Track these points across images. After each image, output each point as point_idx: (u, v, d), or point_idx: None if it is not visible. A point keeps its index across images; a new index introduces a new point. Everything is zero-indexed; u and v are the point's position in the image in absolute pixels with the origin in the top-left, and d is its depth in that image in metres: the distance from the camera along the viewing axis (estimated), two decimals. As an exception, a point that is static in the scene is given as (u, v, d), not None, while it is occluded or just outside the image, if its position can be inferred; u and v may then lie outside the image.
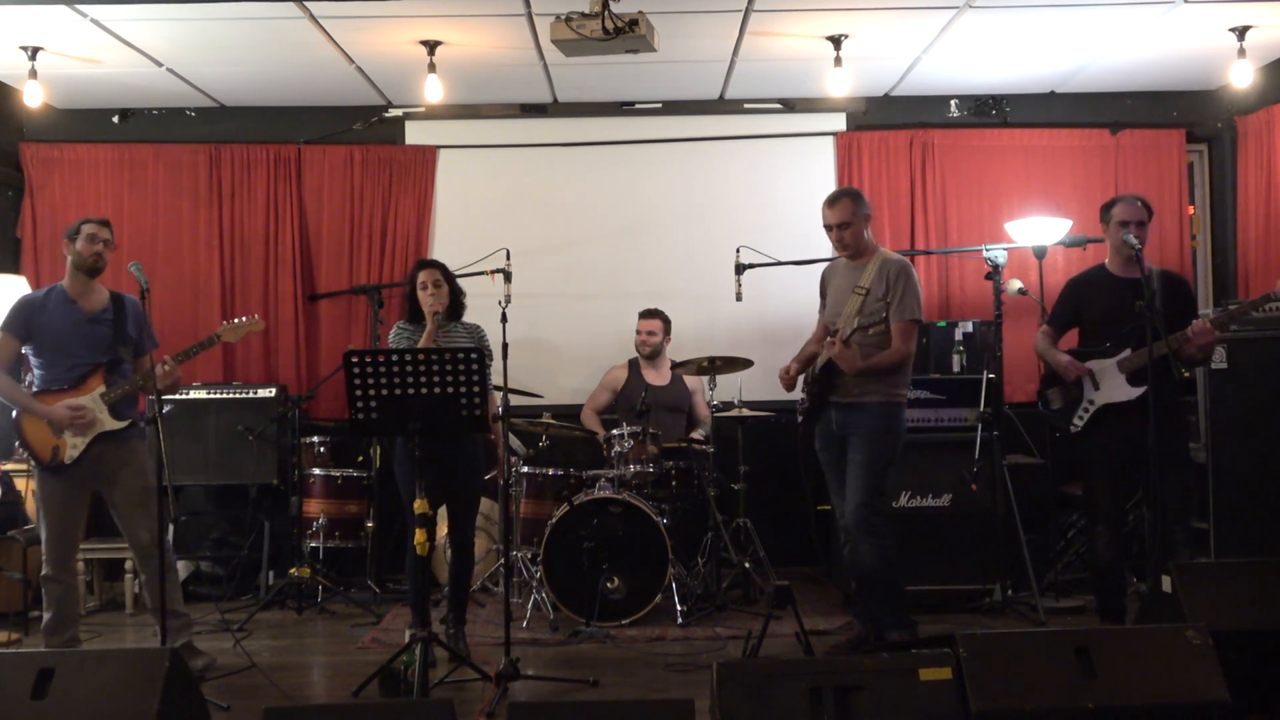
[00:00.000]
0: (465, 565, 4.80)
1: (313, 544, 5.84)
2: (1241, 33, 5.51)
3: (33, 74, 5.63)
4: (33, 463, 4.44)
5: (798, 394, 4.82)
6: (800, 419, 4.78)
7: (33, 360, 4.50)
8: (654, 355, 6.28)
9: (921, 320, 4.59)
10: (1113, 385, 4.56)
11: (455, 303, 4.83)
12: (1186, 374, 5.34)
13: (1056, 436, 4.78)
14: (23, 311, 4.45)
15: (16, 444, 4.42)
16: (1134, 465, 4.57)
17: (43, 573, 4.48)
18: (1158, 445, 4.24)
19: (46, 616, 4.49)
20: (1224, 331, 4.43)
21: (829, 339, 4.45)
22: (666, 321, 6.31)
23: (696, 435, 6.15)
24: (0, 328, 4.47)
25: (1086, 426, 4.62)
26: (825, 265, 4.94)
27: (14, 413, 4.44)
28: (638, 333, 6.30)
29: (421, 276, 4.75)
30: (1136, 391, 4.46)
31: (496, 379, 4.99)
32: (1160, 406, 4.32)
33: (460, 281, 5.62)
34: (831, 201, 4.58)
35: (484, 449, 4.86)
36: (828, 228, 4.59)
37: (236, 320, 4.73)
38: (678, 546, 5.45)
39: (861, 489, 4.44)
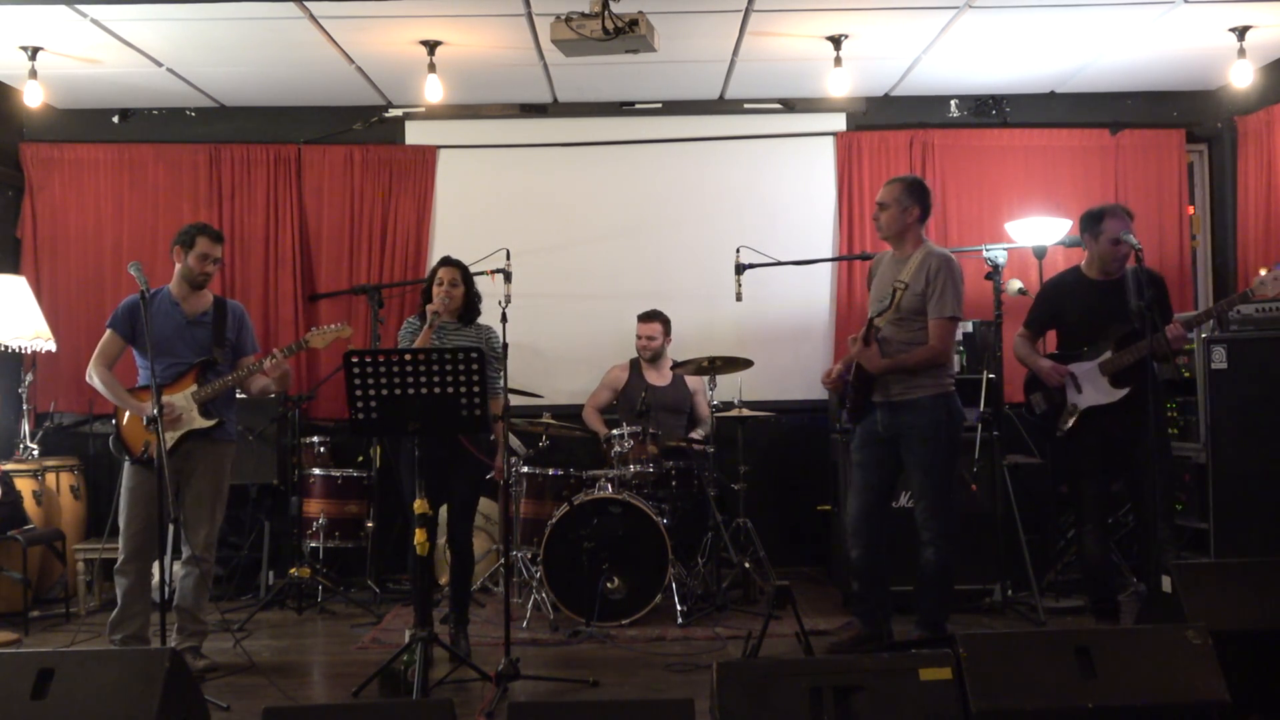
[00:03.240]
0: (466, 566, 4.80)
1: (313, 544, 5.85)
2: (1241, 33, 5.51)
3: (33, 74, 5.63)
4: (125, 456, 4.56)
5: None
6: (848, 418, 4.67)
7: (137, 359, 4.65)
8: (655, 358, 6.28)
9: (961, 318, 4.49)
10: (1095, 388, 4.60)
11: (470, 305, 4.83)
12: (1187, 374, 5.36)
13: (1052, 436, 4.79)
14: (129, 312, 4.59)
15: (109, 441, 4.63)
16: (1116, 464, 4.62)
17: (116, 565, 4.56)
18: (1155, 446, 4.25)
19: (115, 611, 4.56)
20: (1193, 331, 4.50)
21: (851, 337, 4.40)
22: (666, 323, 6.29)
23: (696, 435, 6.15)
24: (108, 325, 4.66)
25: (1071, 429, 4.65)
26: (876, 256, 4.83)
27: (115, 408, 4.63)
28: (638, 337, 6.29)
29: (440, 273, 4.78)
30: (1119, 393, 4.53)
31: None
32: (1144, 406, 4.34)
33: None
34: (889, 181, 4.59)
35: (485, 447, 4.86)
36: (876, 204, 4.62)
37: (325, 327, 4.80)
38: (678, 546, 5.45)
39: (929, 492, 4.39)
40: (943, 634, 4.39)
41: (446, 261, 4.85)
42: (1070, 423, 4.65)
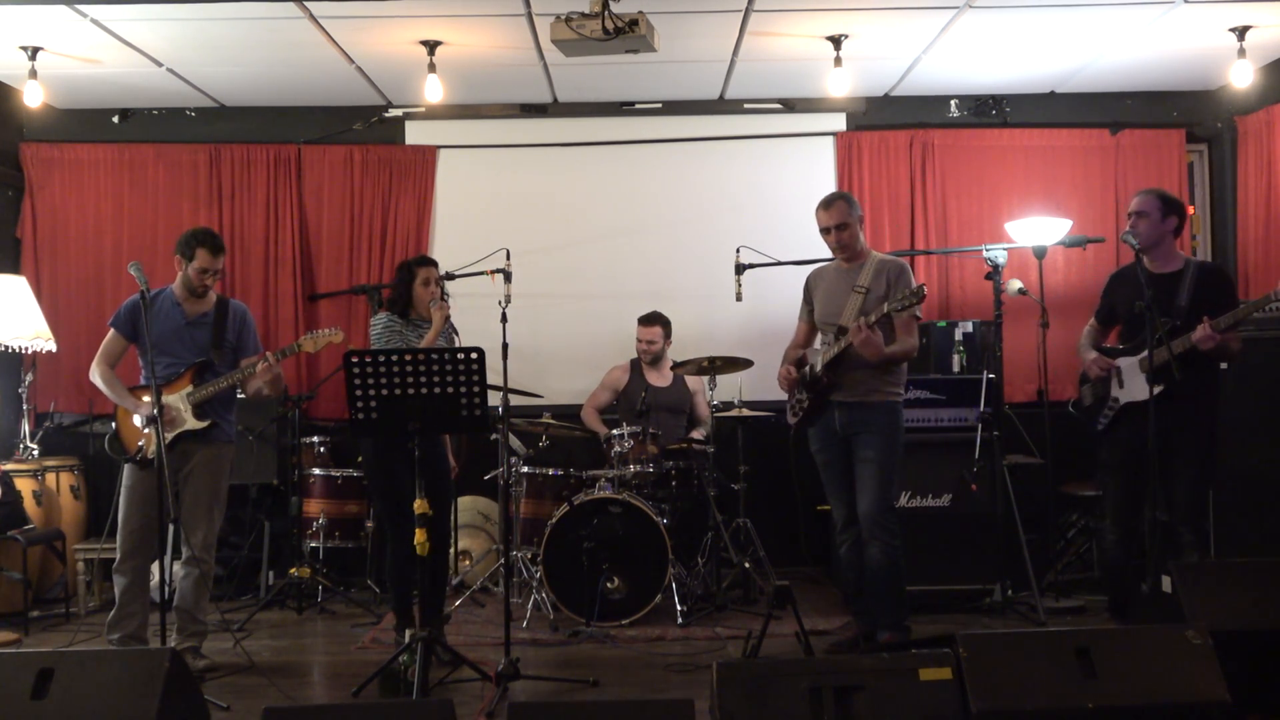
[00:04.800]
0: (443, 565, 4.83)
1: (313, 544, 5.85)
2: (1241, 33, 5.51)
3: (33, 74, 5.63)
4: (120, 455, 4.56)
5: (783, 394, 4.83)
6: (792, 419, 4.78)
7: (140, 358, 4.65)
8: (655, 361, 6.27)
9: (921, 318, 4.63)
10: (1136, 383, 4.55)
11: None
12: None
13: (1092, 431, 4.72)
14: (131, 312, 4.59)
15: (105, 441, 4.64)
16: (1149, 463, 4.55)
17: (114, 564, 4.57)
18: (1158, 445, 4.24)
19: (112, 610, 4.56)
20: (1225, 333, 4.42)
21: (855, 323, 4.36)
22: (667, 326, 6.26)
23: (696, 435, 6.15)
24: (110, 324, 4.67)
25: (1108, 424, 4.63)
26: (810, 271, 4.94)
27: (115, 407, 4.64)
28: (638, 340, 6.27)
29: (424, 274, 4.77)
30: (1155, 389, 4.40)
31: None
32: (1181, 406, 4.31)
33: (460, 281, 5.65)
34: (827, 204, 4.63)
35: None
36: (824, 230, 4.63)
37: (319, 331, 4.78)
38: (678, 546, 5.45)
39: (878, 487, 4.46)
40: (907, 633, 4.43)
41: (427, 261, 4.87)
42: (1108, 418, 4.63)
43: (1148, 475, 4.59)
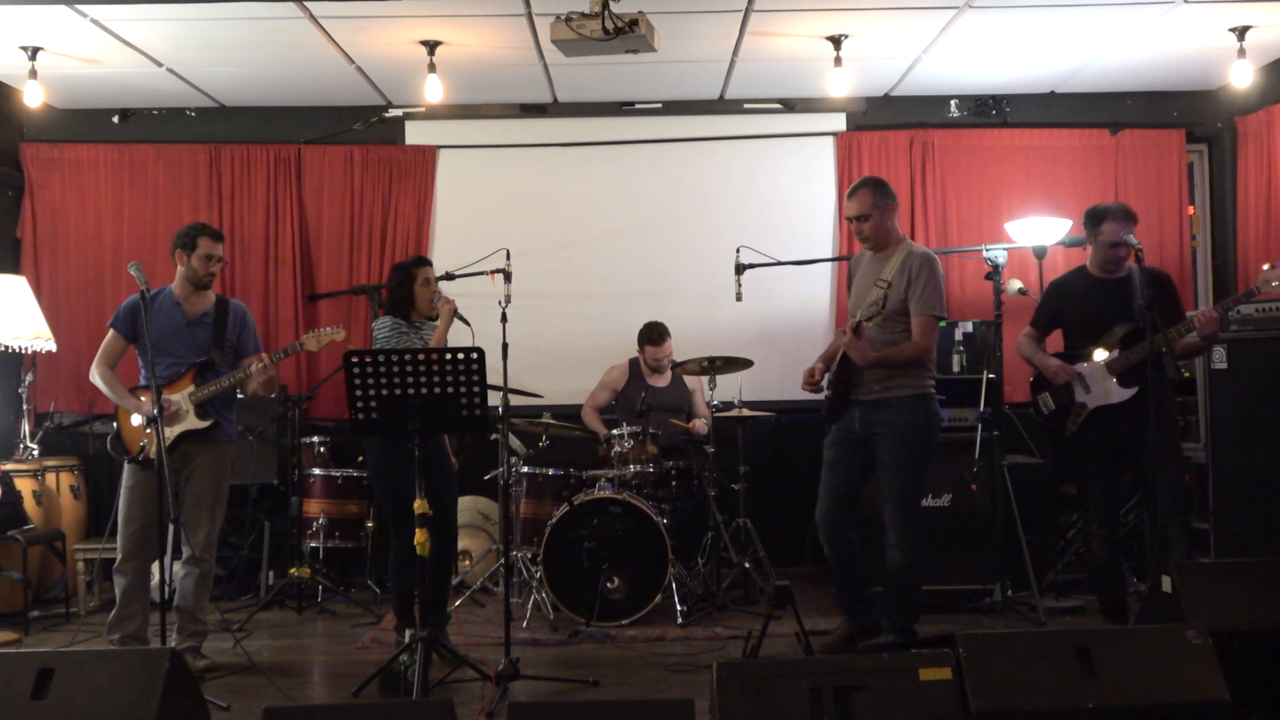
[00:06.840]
0: (447, 565, 4.83)
1: (313, 544, 5.85)
2: (1241, 33, 5.51)
3: (33, 74, 5.63)
4: (123, 456, 4.55)
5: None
6: (825, 417, 4.67)
7: (139, 358, 4.65)
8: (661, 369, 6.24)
9: (943, 316, 4.45)
10: (1103, 388, 4.58)
11: None
12: (1186, 374, 5.36)
13: (1060, 436, 4.76)
14: (130, 312, 4.60)
15: (108, 441, 4.64)
16: (1124, 465, 4.59)
17: (114, 564, 4.57)
18: (1156, 444, 4.25)
19: (113, 611, 4.56)
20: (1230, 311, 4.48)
21: (839, 329, 4.34)
22: (669, 336, 6.19)
23: (698, 424, 6.07)
24: (109, 325, 4.66)
25: (1079, 429, 4.63)
26: (854, 256, 4.81)
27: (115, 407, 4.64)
28: (647, 358, 6.17)
29: (424, 273, 4.79)
30: (1128, 392, 4.50)
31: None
32: (1153, 404, 4.33)
33: (460, 281, 5.66)
34: (851, 193, 4.51)
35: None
36: (849, 220, 4.53)
37: (321, 330, 4.77)
38: (678, 546, 5.45)
39: (898, 493, 4.37)
40: (914, 637, 4.41)
41: (425, 261, 4.88)
42: (1077, 423, 4.64)
43: (1125, 474, 4.64)
